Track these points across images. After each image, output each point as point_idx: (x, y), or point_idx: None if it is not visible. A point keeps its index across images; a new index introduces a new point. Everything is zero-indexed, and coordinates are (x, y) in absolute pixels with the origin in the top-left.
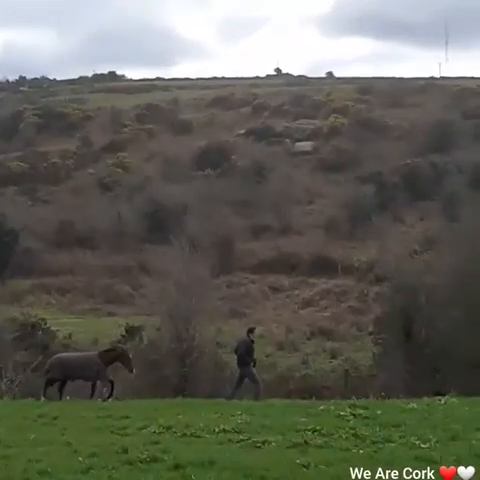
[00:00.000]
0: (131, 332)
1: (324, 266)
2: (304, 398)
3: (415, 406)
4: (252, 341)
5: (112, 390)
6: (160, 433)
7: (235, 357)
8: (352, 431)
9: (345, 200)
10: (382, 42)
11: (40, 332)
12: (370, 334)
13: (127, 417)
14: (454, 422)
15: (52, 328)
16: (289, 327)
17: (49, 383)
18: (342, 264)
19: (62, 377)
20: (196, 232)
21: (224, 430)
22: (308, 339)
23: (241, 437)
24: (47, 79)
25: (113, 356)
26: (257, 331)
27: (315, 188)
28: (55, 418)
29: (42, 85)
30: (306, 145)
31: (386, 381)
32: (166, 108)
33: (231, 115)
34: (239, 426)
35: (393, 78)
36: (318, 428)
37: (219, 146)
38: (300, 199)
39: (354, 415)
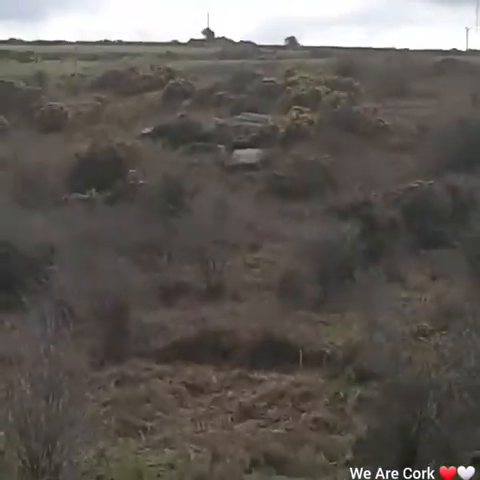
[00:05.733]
0: None
1: (275, 352)
2: None
3: None
4: None
5: None
6: None
7: None
8: None
9: (313, 241)
10: None
11: None
12: (347, 464)
13: None
14: None
15: None
16: (217, 452)
17: None
18: (304, 349)
19: None
20: (67, 291)
21: None
22: (248, 472)
23: None
24: None
25: None
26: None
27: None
28: None
29: None
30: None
31: None
32: None
33: None
34: None
35: (393, 50)
36: None
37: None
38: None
39: None
